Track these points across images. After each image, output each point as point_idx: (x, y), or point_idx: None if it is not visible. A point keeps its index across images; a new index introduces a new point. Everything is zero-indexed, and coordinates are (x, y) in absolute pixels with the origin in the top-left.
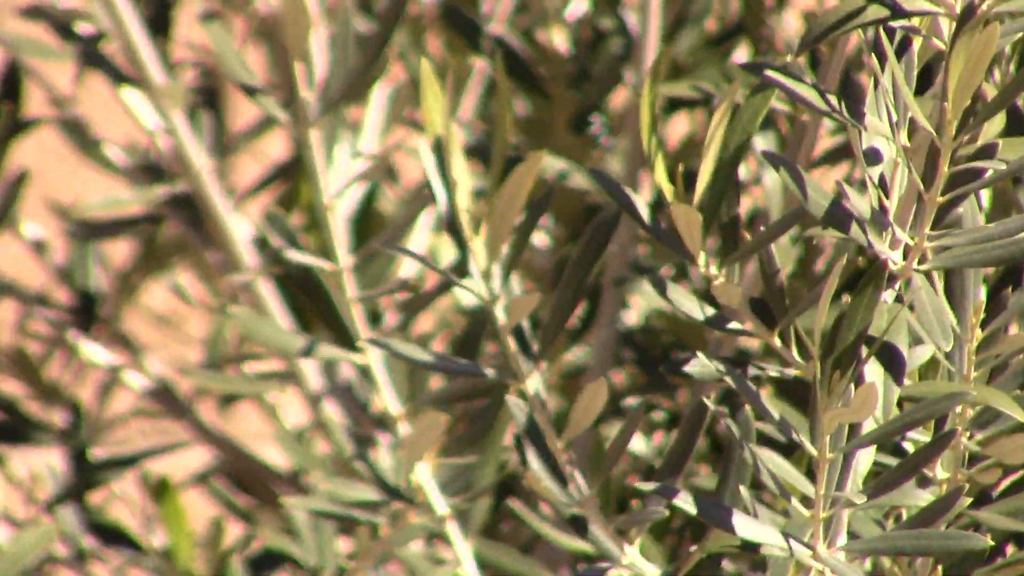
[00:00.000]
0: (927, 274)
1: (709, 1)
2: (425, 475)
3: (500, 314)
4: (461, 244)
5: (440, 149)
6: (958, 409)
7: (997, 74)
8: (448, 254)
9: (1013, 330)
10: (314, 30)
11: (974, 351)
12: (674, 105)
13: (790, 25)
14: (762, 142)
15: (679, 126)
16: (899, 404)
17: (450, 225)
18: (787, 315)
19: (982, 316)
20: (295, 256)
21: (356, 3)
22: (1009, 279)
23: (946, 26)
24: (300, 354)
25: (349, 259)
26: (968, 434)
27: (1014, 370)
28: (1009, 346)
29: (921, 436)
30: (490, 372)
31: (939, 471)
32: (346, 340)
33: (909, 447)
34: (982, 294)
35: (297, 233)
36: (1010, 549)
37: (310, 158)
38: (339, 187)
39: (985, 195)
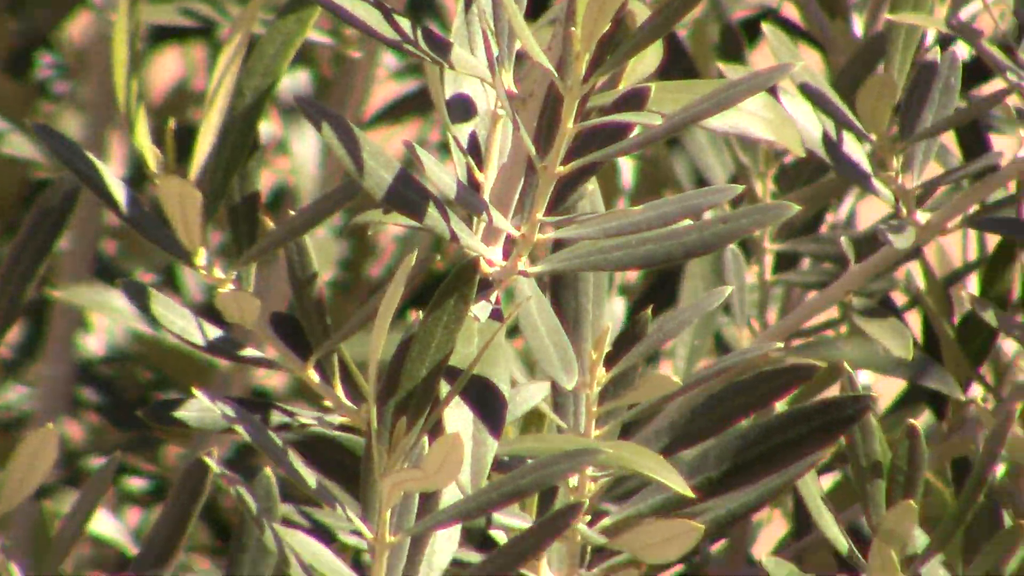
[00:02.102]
0: (541, 280)
1: None
2: None
3: None
4: None
5: None
6: (573, 480)
7: None
8: None
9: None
10: None
11: (595, 398)
12: (160, 35)
13: None
14: (292, 87)
15: (168, 65)
16: (495, 467)
17: None
18: (328, 339)
19: (606, 349)
20: None
21: None
22: (659, 292)
23: None
24: None
25: None
26: (590, 517)
27: (656, 428)
28: (646, 392)
29: (519, 519)
30: None
31: (546, 572)
32: None
33: (500, 536)
34: (611, 313)
35: None
36: None
37: None
38: None
39: (628, 165)
